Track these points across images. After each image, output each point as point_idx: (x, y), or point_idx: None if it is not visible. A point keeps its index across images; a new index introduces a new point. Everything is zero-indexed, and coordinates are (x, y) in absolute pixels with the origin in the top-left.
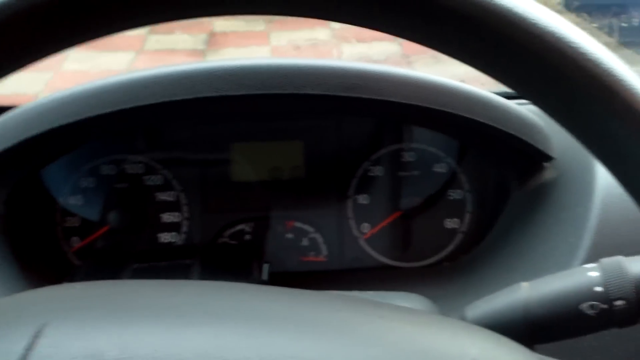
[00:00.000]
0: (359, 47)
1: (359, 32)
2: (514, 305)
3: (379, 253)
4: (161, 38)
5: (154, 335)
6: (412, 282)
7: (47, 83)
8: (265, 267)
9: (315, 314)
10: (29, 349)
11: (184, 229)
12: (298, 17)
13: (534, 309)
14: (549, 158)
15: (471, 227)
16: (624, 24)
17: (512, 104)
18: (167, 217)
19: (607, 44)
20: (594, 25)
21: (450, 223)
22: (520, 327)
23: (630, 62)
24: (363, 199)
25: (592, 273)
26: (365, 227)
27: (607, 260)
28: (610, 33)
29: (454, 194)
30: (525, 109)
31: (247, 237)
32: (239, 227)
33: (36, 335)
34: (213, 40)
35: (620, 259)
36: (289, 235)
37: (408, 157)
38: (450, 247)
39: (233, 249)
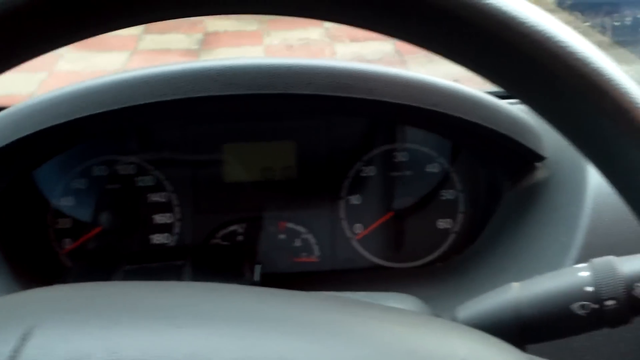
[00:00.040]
0: (353, 46)
1: (353, 31)
2: (505, 306)
3: (372, 254)
4: (155, 38)
5: (142, 337)
6: (405, 282)
7: (41, 83)
8: (257, 268)
9: (304, 315)
10: (16, 351)
11: (176, 230)
12: (287, 16)
13: (524, 309)
14: (540, 158)
15: (464, 228)
16: (616, 23)
17: (504, 104)
18: (159, 218)
19: (600, 43)
20: (587, 23)
21: (443, 223)
22: (511, 327)
23: (624, 61)
24: (355, 200)
25: (582, 273)
26: (358, 228)
27: (597, 260)
28: (603, 32)
29: (447, 194)
30: (517, 109)
31: (239, 238)
32: (231, 228)
33: (24, 337)
34: (207, 40)
35: (611, 258)
36: (281, 236)
37: (400, 157)
38: (443, 248)
39: (225, 250)
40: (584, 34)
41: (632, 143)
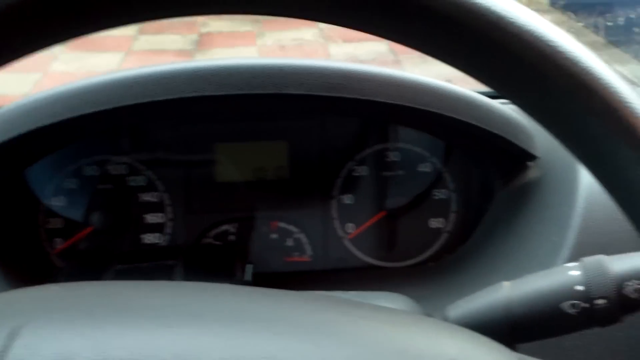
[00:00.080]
0: (348, 47)
1: (347, 32)
2: (495, 305)
3: (364, 253)
4: (150, 38)
5: (130, 337)
6: (397, 282)
7: (35, 84)
8: (249, 268)
9: (294, 314)
10: (3, 350)
11: (168, 229)
12: (281, 17)
13: (515, 308)
14: (532, 157)
15: (456, 227)
16: (609, 23)
17: (496, 104)
18: (151, 218)
19: (594, 43)
20: (580, 24)
21: (435, 223)
22: (501, 327)
23: (618, 60)
24: (347, 199)
25: (573, 272)
26: (350, 227)
27: (588, 259)
28: (596, 32)
29: (439, 194)
30: (510, 109)
31: (231, 237)
32: (223, 227)
33: (11, 337)
34: (202, 41)
35: (601, 257)
36: (274, 236)
37: (392, 157)
38: (435, 247)
39: (217, 249)
40: (578, 33)
41: (621, 142)
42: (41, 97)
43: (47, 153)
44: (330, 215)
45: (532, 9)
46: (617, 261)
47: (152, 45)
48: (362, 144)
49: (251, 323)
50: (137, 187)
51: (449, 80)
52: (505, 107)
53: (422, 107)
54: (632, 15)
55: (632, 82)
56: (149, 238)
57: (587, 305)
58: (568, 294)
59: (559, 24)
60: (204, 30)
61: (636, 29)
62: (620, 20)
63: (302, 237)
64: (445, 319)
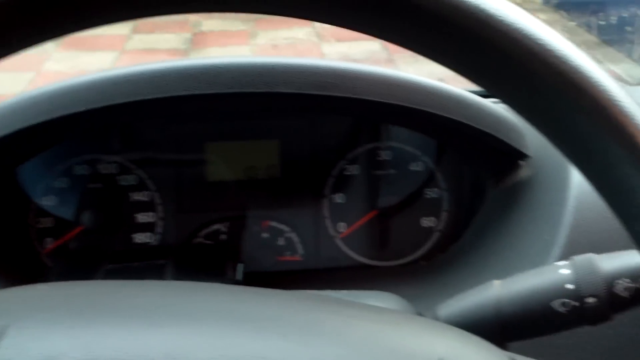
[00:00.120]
0: (341, 46)
1: (340, 31)
2: (486, 303)
3: (356, 252)
4: (143, 38)
5: (118, 336)
6: (389, 281)
7: (29, 83)
8: (240, 267)
9: (283, 313)
10: None
11: (159, 229)
12: (266, 14)
13: (505, 307)
14: (524, 156)
15: (448, 226)
16: (601, 22)
17: (488, 103)
18: (142, 218)
19: (588, 42)
20: (573, 22)
21: (427, 222)
22: (492, 325)
23: (612, 60)
24: (339, 198)
25: (563, 270)
26: (342, 226)
27: (578, 258)
28: (589, 31)
29: (431, 193)
30: (501, 108)
31: (223, 237)
32: (214, 227)
33: None
34: (195, 40)
35: (591, 256)
36: (265, 235)
37: (384, 155)
38: (427, 246)
39: (208, 249)
40: (572, 32)
41: (610, 140)
42: (31, 95)
43: (37, 152)
44: (322, 214)
45: (525, 8)
46: (607, 260)
47: (146, 45)
48: (353, 142)
49: (240, 322)
50: (127, 186)
51: (441, 79)
52: (497, 106)
53: (414, 106)
54: (625, 14)
55: (625, 81)
56: (140, 237)
57: (577, 303)
58: (558, 292)
59: (552, 22)
60: (197, 29)
61: (629, 28)
62: (613, 19)
63: (294, 236)
64: (436, 318)
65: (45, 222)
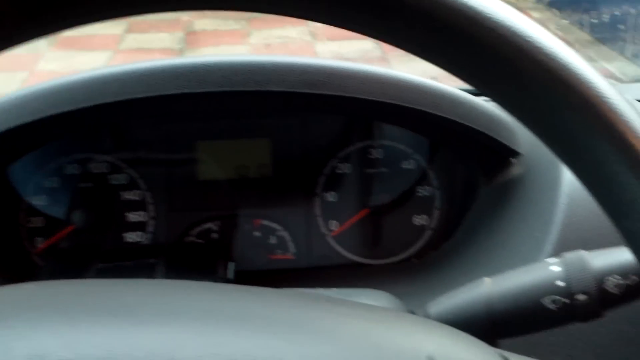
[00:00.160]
0: (335, 45)
1: (336, 30)
2: (476, 301)
3: (347, 250)
4: (138, 37)
5: (104, 335)
6: (381, 279)
7: (22, 83)
8: (231, 266)
9: (271, 311)
10: None
11: (150, 228)
12: (259, 13)
13: (496, 304)
14: (515, 154)
15: (440, 224)
16: (594, 20)
17: (480, 101)
18: (133, 217)
19: (581, 40)
20: (566, 21)
21: (419, 220)
22: (482, 322)
23: (606, 57)
24: (331, 197)
25: (554, 267)
26: (333, 225)
27: (569, 255)
28: (581, 29)
29: (423, 191)
30: (493, 106)
31: (214, 235)
32: (206, 225)
33: None
34: (190, 39)
35: (582, 253)
36: (257, 234)
37: (376, 154)
38: (419, 244)
39: (199, 247)
40: (565, 31)
41: (599, 137)
42: (21, 94)
43: (27, 151)
44: (314, 212)
45: (518, 6)
46: (598, 256)
47: (140, 44)
48: (345, 141)
49: (228, 320)
50: (118, 185)
51: (434, 78)
52: (488, 105)
53: (405, 104)
54: (617, 12)
55: (619, 79)
56: (131, 236)
57: (567, 300)
58: (549, 289)
59: (545, 20)
60: (191, 28)
61: (621, 26)
62: (605, 17)
63: (286, 235)
64: (427, 316)
65: (36, 222)
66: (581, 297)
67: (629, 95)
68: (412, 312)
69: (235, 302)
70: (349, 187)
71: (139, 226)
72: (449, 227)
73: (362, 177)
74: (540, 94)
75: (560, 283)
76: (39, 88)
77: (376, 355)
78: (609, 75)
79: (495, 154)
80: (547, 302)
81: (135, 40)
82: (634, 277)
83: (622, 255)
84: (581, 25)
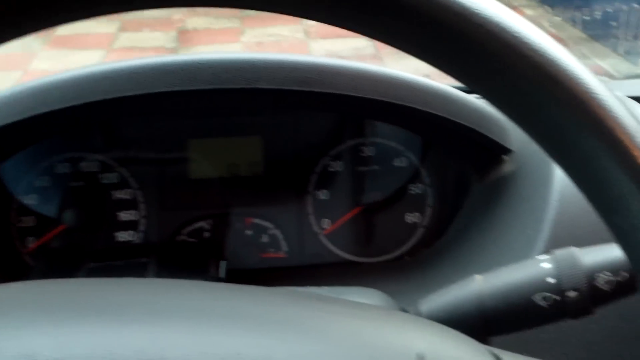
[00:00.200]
0: (329, 43)
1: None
2: (468, 298)
3: (340, 249)
4: (131, 36)
5: (92, 334)
6: (373, 277)
7: (16, 82)
8: (222, 265)
9: (260, 310)
10: None
11: (142, 227)
12: (256, 10)
13: (487, 301)
14: (507, 151)
15: (432, 222)
16: (586, 17)
17: (471, 98)
18: (124, 216)
19: (575, 37)
20: (558, 17)
21: (411, 217)
22: (474, 319)
23: (599, 54)
24: (323, 195)
25: (545, 264)
26: (326, 223)
27: (560, 252)
28: (574, 25)
29: (415, 189)
30: (484, 103)
31: (206, 234)
32: (197, 224)
33: None
34: (183, 38)
35: (572, 250)
36: (248, 232)
37: (368, 152)
38: (411, 242)
39: (191, 246)
40: (559, 28)
41: (587, 133)
42: (10, 93)
43: (17, 150)
44: (306, 211)
45: (510, 3)
46: (588, 253)
47: (134, 43)
48: (337, 139)
49: (217, 319)
50: (110, 184)
51: (427, 76)
52: (480, 102)
53: (397, 102)
54: (609, 9)
55: (613, 76)
56: (123, 236)
57: (558, 297)
58: (539, 286)
59: (537, 17)
60: (184, 27)
61: (613, 23)
62: (597, 14)
63: (278, 233)
64: (418, 313)
65: (27, 221)
66: (572, 293)
67: (622, 91)
68: (404, 310)
69: (224, 300)
70: (341, 185)
71: (130, 225)
72: (441, 224)
73: (354, 175)
74: (528, 89)
75: (551, 280)
76: (28, 86)
77: (365, 353)
78: (603, 73)
79: (487, 151)
80: (538, 299)
81: (128, 39)
82: (624, 274)
83: (612, 252)
84: (573, 22)
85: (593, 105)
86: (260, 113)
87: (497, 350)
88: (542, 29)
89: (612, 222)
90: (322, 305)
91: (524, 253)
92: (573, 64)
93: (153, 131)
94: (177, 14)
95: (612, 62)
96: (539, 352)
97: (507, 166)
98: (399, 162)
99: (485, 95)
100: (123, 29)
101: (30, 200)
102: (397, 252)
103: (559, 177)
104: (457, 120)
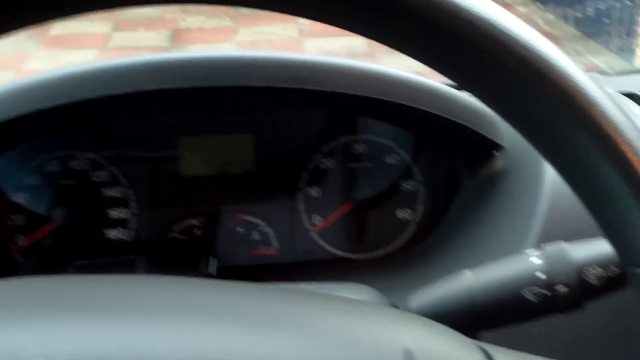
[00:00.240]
0: (327, 41)
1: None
2: (457, 293)
3: (331, 245)
4: (126, 35)
5: (77, 331)
6: (365, 273)
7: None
8: (213, 262)
9: (247, 306)
10: None
11: (132, 225)
12: (253, 8)
13: (477, 296)
14: (498, 147)
15: (423, 218)
16: (578, 14)
17: (463, 95)
18: (115, 214)
19: (567, 34)
20: (551, 14)
21: (403, 214)
22: (464, 315)
23: (593, 51)
24: (314, 192)
25: (534, 259)
26: (317, 220)
27: (549, 247)
28: (566, 22)
29: (406, 185)
30: (476, 100)
31: (197, 232)
32: (188, 222)
33: None
34: (177, 37)
35: (562, 244)
36: (240, 229)
37: (359, 149)
38: (403, 238)
39: (181, 244)
40: (552, 25)
41: (576, 128)
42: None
43: (7, 148)
44: (297, 207)
45: (503, 1)
46: (578, 248)
47: (128, 42)
48: (328, 136)
49: (202, 316)
50: (100, 182)
51: (419, 73)
52: (471, 99)
53: (388, 99)
54: (602, 7)
55: (606, 73)
56: (113, 234)
57: (548, 292)
58: (529, 281)
59: (530, 14)
60: (178, 26)
61: (606, 20)
62: (590, 11)
63: (269, 230)
64: (408, 309)
65: (16, 219)
66: (561, 288)
67: (614, 88)
68: (394, 306)
69: (210, 297)
70: (332, 182)
71: (120, 223)
72: (433, 221)
73: (345, 172)
74: (517, 86)
75: (541, 275)
76: (18, 85)
77: (352, 348)
78: (596, 69)
79: (479, 147)
80: (527, 293)
81: (122, 38)
82: (614, 268)
83: (601, 247)
84: (566, 19)
85: (582, 101)
86: (251, 111)
87: (486, 345)
88: (534, 26)
89: (601, 218)
90: (309, 301)
91: (515, 248)
92: (562, 60)
93: (144, 129)
94: (170, 13)
95: (605, 59)
96: (529, 347)
97: (498, 162)
98: (390, 159)
99: (475, 92)
100: (117, 28)
101: (20, 199)
102: (389, 249)
103: (550, 173)
104: (449, 117)
